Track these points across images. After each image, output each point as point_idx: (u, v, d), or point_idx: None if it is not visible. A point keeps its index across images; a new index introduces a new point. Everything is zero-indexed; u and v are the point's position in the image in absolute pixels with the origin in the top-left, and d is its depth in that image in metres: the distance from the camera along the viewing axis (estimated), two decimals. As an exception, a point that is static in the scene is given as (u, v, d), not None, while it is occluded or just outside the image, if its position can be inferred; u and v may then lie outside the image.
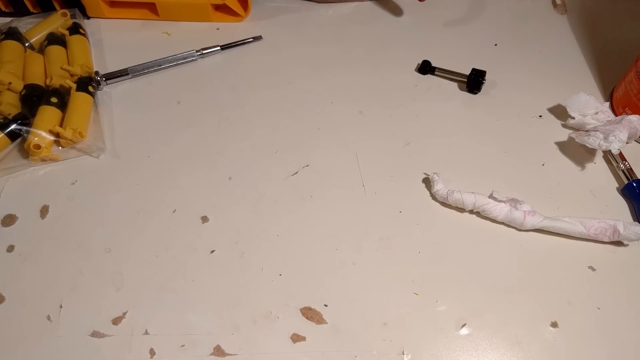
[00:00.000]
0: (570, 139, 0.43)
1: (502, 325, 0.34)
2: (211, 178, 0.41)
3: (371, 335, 0.33)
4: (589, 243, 0.38)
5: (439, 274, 0.36)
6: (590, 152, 0.43)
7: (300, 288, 0.35)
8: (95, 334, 0.33)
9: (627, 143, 0.43)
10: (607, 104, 0.45)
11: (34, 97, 0.42)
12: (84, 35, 0.49)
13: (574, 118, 0.44)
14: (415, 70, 0.50)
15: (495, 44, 0.52)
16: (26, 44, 0.48)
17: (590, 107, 0.43)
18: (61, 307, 0.34)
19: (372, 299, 0.35)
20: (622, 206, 0.40)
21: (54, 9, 0.51)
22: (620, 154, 0.41)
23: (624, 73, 0.45)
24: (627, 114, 0.42)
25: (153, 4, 0.52)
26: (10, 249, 0.37)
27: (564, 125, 0.45)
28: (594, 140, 0.39)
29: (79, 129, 0.41)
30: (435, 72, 0.49)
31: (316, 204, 0.40)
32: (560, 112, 0.46)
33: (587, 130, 0.42)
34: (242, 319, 0.34)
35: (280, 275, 0.36)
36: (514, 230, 0.38)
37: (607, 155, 0.42)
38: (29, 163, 0.41)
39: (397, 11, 0.56)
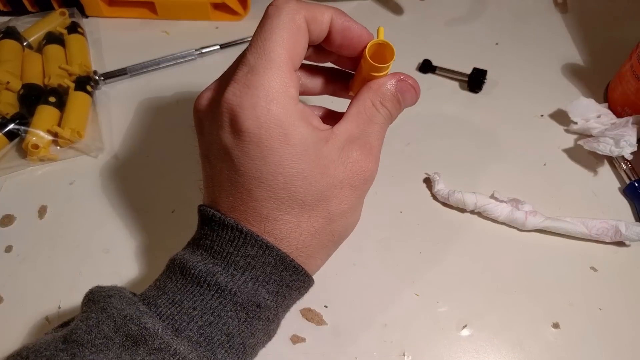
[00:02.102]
0: (571, 138, 0.42)
1: (503, 327, 0.34)
2: (210, 178, 0.41)
3: (371, 336, 0.33)
4: (591, 243, 0.37)
5: (439, 274, 0.36)
6: (592, 152, 0.43)
7: (300, 289, 0.35)
8: (93, 335, 0.33)
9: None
10: (607, 104, 0.44)
11: (32, 97, 0.42)
12: (82, 34, 0.49)
13: (576, 123, 0.43)
14: (416, 69, 0.49)
15: (497, 43, 0.52)
16: (24, 43, 0.47)
17: (592, 110, 0.43)
18: (59, 307, 0.34)
19: (373, 300, 0.35)
20: (624, 206, 0.40)
21: (52, 8, 0.51)
22: (622, 154, 0.41)
23: (617, 71, 0.44)
24: (627, 114, 0.42)
25: (152, 3, 0.52)
26: (9, 249, 0.37)
27: (567, 131, 0.44)
28: (605, 147, 0.39)
29: (77, 128, 0.41)
30: (436, 72, 0.49)
31: (316, 204, 0.39)
32: (561, 112, 0.46)
33: (593, 135, 0.41)
34: (241, 320, 0.33)
35: (280, 276, 0.36)
36: (515, 230, 0.38)
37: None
38: (27, 163, 0.41)
39: (397, 10, 0.55)
